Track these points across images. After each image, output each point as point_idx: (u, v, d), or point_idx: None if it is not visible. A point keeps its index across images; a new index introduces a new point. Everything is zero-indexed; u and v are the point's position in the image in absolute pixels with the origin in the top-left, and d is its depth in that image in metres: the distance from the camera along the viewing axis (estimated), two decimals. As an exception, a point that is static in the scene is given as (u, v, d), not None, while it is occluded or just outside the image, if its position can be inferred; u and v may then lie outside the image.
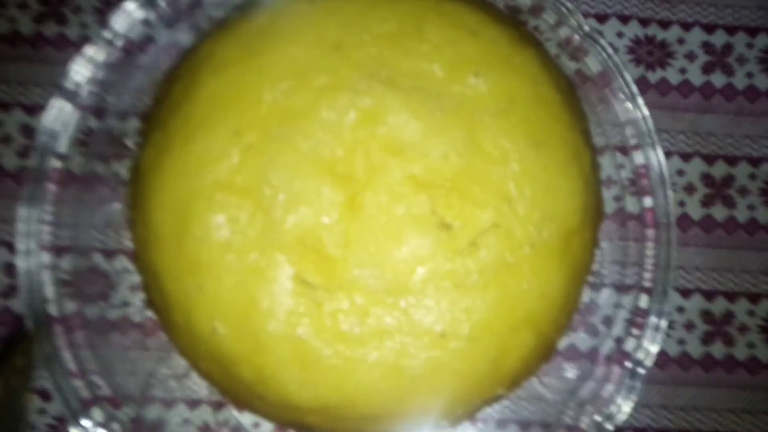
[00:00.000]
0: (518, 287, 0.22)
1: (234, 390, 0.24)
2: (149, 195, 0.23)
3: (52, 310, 0.26)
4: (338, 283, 0.22)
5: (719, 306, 0.31)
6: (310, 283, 0.22)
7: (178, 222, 0.22)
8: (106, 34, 0.28)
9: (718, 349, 0.31)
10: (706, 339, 0.31)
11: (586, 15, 0.32)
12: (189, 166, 0.22)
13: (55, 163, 0.28)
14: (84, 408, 0.26)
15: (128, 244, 0.29)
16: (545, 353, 0.26)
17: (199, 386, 0.28)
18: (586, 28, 0.29)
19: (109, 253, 0.29)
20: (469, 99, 0.23)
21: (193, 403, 0.28)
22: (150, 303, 0.27)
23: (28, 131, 0.31)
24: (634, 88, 0.29)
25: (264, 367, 0.22)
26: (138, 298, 0.29)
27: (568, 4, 0.29)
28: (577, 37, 0.29)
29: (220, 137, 0.22)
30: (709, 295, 0.31)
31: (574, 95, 0.27)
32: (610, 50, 0.29)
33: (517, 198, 0.22)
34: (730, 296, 0.31)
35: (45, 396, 0.29)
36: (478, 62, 0.23)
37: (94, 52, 0.28)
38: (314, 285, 0.22)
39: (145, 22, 0.29)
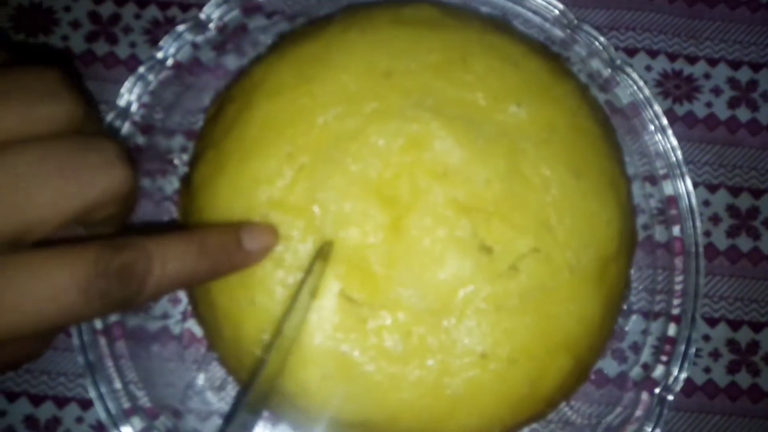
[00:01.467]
0: (556, 312, 0.23)
1: (275, 402, 0.24)
2: (204, 211, 0.24)
3: (97, 320, 0.27)
4: (382, 301, 0.22)
5: (745, 335, 0.32)
6: (356, 300, 0.22)
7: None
8: (157, 56, 0.30)
9: (743, 379, 0.31)
10: (732, 368, 0.31)
11: (616, 48, 0.33)
12: (244, 185, 0.23)
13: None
14: (124, 417, 0.26)
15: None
16: (581, 377, 0.26)
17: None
18: (618, 61, 0.30)
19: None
20: (510, 127, 0.24)
21: (204, 416, 0.29)
22: (196, 316, 0.27)
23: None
24: (664, 120, 0.30)
25: (308, 380, 0.22)
26: (177, 311, 0.29)
27: (601, 38, 0.30)
28: (608, 70, 0.30)
29: (274, 158, 0.23)
30: (734, 325, 0.32)
31: (610, 126, 0.28)
32: (641, 83, 0.30)
33: (557, 224, 0.23)
34: (755, 326, 0.32)
35: (84, 404, 0.30)
36: (520, 92, 0.24)
37: (144, 72, 0.29)
38: (359, 302, 0.22)
39: (193, 45, 0.30)
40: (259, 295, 0.23)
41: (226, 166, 0.24)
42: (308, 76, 0.24)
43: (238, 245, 0.22)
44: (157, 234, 0.20)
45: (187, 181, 0.27)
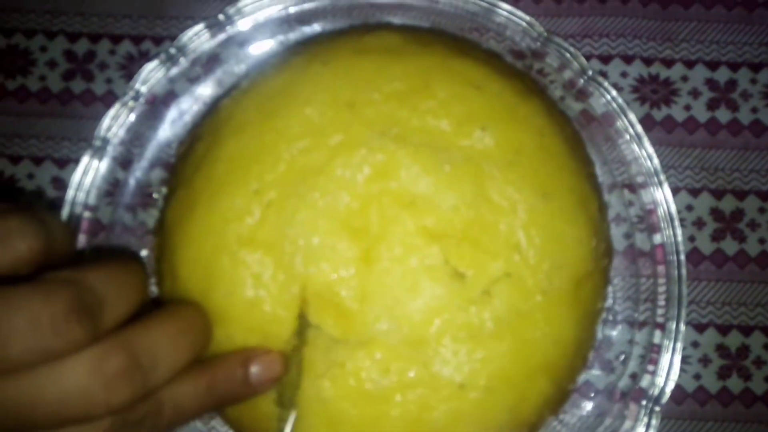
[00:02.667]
0: (532, 335, 0.23)
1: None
2: (176, 250, 0.24)
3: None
4: (357, 336, 0.22)
5: (734, 340, 0.31)
6: (332, 344, 0.22)
7: (205, 277, 0.23)
8: (131, 91, 0.30)
9: (735, 384, 0.31)
10: (723, 373, 0.31)
11: (590, 56, 0.33)
12: (213, 224, 0.23)
13: (85, 214, 0.29)
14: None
15: (154, 290, 0.30)
16: (561, 398, 0.26)
17: (224, 428, 0.29)
18: (590, 71, 0.30)
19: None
20: (476, 152, 0.23)
21: None
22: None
23: (60, 183, 0.33)
24: (639, 128, 0.30)
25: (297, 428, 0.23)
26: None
27: (571, 49, 0.30)
28: (581, 81, 0.30)
29: (241, 196, 0.23)
30: (723, 330, 0.31)
31: (580, 140, 0.28)
32: (614, 92, 0.30)
33: (527, 247, 0.23)
34: (745, 330, 0.31)
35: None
36: (484, 116, 0.24)
37: (119, 108, 0.30)
38: (335, 343, 0.22)
39: (168, 78, 0.30)
40: (235, 332, 0.23)
41: (196, 205, 0.24)
42: (272, 111, 0.24)
43: (245, 380, 0.22)
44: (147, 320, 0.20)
45: (161, 219, 0.27)
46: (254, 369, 0.22)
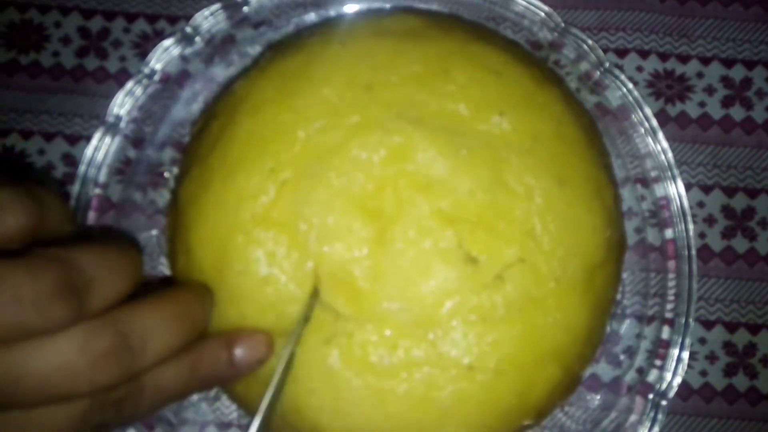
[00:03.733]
0: (543, 321, 0.23)
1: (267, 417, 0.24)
2: (190, 228, 0.24)
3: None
4: (367, 315, 0.22)
5: (741, 338, 0.31)
6: (341, 314, 0.22)
7: (219, 255, 0.23)
8: (145, 69, 0.30)
9: (741, 381, 0.31)
10: (729, 371, 0.31)
11: (606, 50, 0.33)
12: (228, 202, 0.23)
13: (95, 191, 0.29)
14: (120, 428, 0.26)
15: (163, 269, 0.30)
16: (570, 385, 0.26)
17: (230, 409, 0.29)
18: (606, 63, 0.30)
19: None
20: (494, 137, 0.23)
21: (224, 426, 0.29)
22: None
23: (70, 160, 0.33)
24: (654, 123, 0.30)
25: (298, 395, 0.22)
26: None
27: (589, 41, 0.30)
28: (597, 73, 0.30)
29: (257, 174, 0.23)
30: (731, 327, 0.31)
31: (596, 131, 0.28)
32: (630, 85, 0.30)
33: (542, 233, 0.23)
34: (752, 328, 0.31)
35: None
36: (503, 102, 0.24)
37: (133, 86, 0.30)
38: (345, 316, 0.22)
39: (182, 57, 0.30)
40: (248, 309, 0.23)
41: (211, 184, 0.24)
42: (289, 91, 0.24)
43: (229, 362, 0.22)
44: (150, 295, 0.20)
45: (174, 198, 0.27)
46: (239, 351, 0.22)
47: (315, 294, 0.23)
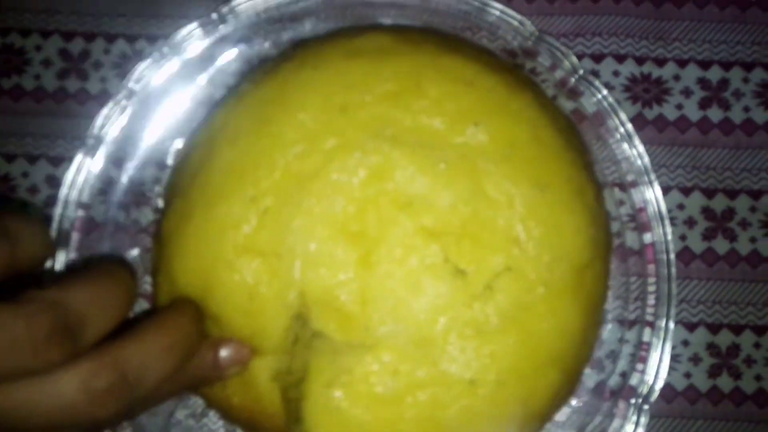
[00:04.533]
0: (537, 327, 0.23)
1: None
2: (173, 260, 0.24)
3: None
4: (361, 340, 0.22)
5: (725, 339, 0.31)
6: (338, 350, 0.23)
7: (202, 286, 0.24)
8: (125, 90, 0.30)
9: (725, 382, 0.31)
10: (713, 372, 0.31)
11: (582, 55, 0.33)
12: (210, 233, 0.23)
13: (78, 212, 0.30)
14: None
15: (147, 288, 0.30)
16: (571, 387, 0.26)
17: (216, 425, 0.29)
18: (581, 70, 0.30)
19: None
20: (471, 149, 0.24)
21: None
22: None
23: (54, 182, 0.33)
24: (630, 127, 0.30)
25: None
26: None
27: (562, 48, 0.30)
28: (572, 80, 0.30)
29: (238, 204, 0.23)
30: (714, 328, 0.32)
31: (575, 131, 0.28)
32: (604, 91, 0.30)
33: (526, 240, 0.23)
34: (735, 329, 0.31)
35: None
36: (477, 112, 0.24)
37: (112, 106, 0.30)
38: (342, 351, 0.22)
39: (161, 76, 0.31)
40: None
41: (193, 215, 0.24)
42: (266, 118, 0.24)
43: (214, 363, 0.23)
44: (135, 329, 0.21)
45: (158, 230, 0.28)
46: (224, 352, 0.23)
47: (304, 327, 0.23)
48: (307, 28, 0.31)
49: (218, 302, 0.23)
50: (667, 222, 0.29)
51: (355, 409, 0.22)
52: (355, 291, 0.22)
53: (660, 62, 0.33)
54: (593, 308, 0.26)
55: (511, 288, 0.23)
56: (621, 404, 0.29)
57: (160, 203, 0.30)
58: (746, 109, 0.33)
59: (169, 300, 0.25)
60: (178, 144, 0.31)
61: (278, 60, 0.27)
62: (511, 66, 0.29)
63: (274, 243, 0.23)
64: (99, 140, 0.30)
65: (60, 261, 0.28)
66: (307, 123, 0.24)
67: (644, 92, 0.33)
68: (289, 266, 0.23)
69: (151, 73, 0.30)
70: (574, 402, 0.30)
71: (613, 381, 0.29)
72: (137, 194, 0.31)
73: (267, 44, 0.31)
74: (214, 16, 0.30)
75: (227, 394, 0.25)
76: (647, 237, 0.30)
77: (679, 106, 0.33)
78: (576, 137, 0.28)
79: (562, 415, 0.29)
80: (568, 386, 0.26)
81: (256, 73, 0.27)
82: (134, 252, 0.30)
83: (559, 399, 0.25)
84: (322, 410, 0.22)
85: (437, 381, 0.22)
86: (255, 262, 0.23)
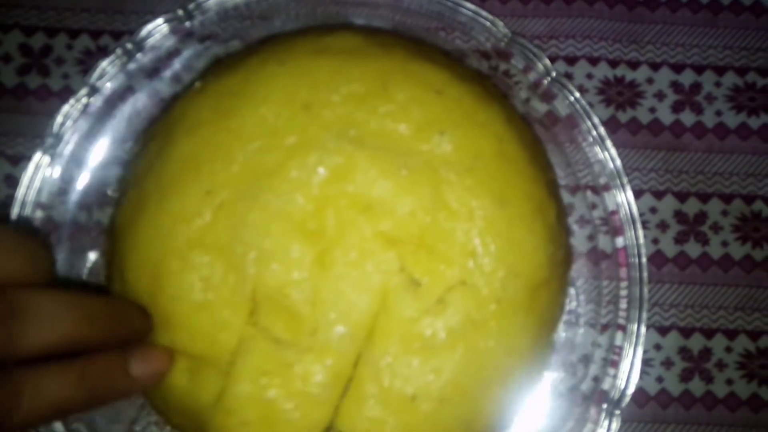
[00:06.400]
0: (485, 345, 0.22)
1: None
2: (125, 253, 0.23)
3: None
4: (308, 342, 0.22)
5: (696, 343, 0.31)
6: (281, 341, 0.22)
7: (153, 280, 0.23)
8: (86, 87, 0.29)
9: (697, 387, 0.31)
10: (685, 376, 0.31)
11: (555, 58, 0.33)
12: (163, 225, 0.23)
13: (37, 213, 0.28)
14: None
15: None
16: (517, 405, 0.26)
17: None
18: (554, 73, 0.30)
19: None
20: (434, 157, 0.23)
21: None
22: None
23: (12, 181, 0.32)
24: (602, 131, 0.29)
25: (229, 428, 0.22)
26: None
27: (535, 50, 0.30)
28: (545, 82, 0.30)
29: (192, 196, 0.22)
30: (686, 332, 0.31)
31: (540, 147, 0.28)
32: (577, 94, 0.30)
33: (483, 254, 0.23)
34: (707, 333, 0.31)
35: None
36: (443, 121, 0.23)
37: (74, 104, 0.29)
38: (285, 343, 0.22)
39: (125, 73, 0.30)
40: (179, 337, 0.22)
41: (146, 207, 0.23)
42: (226, 111, 0.23)
43: (123, 372, 0.21)
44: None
45: (111, 221, 0.27)
46: (134, 361, 0.21)
47: (250, 320, 0.22)
48: (277, 25, 0.30)
49: (169, 297, 0.22)
50: (639, 225, 0.29)
51: (286, 404, 0.21)
52: (307, 291, 0.22)
53: (633, 65, 0.33)
54: (545, 327, 0.26)
55: (463, 303, 0.22)
56: (593, 409, 0.28)
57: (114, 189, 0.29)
58: (718, 113, 0.33)
59: (121, 294, 0.24)
60: (143, 143, 0.30)
61: (243, 54, 0.27)
62: (481, 76, 0.29)
63: (228, 238, 0.22)
64: (59, 138, 0.29)
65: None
66: (269, 118, 0.23)
67: (617, 95, 0.33)
68: (243, 262, 0.22)
69: (114, 69, 0.29)
70: (545, 406, 0.29)
71: (586, 385, 0.29)
72: (99, 194, 0.30)
73: (235, 42, 0.31)
74: (180, 12, 0.30)
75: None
76: (619, 241, 0.29)
77: (652, 110, 0.33)
78: (541, 154, 0.28)
79: (533, 419, 0.29)
80: (514, 405, 0.25)
81: (220, 65, 0.27)
82: (93, 255, 0.29)
83: (504, 418, 0.25)
84: (251, 397, 0.21)
85: (377, 393, 0.22)
86: (207, 256, 0.22)
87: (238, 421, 0.22)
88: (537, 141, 0.28)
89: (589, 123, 0.29)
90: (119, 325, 0.21)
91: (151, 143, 0.25)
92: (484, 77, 0.29)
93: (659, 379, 0.31)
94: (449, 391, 0.22)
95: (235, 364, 0.22)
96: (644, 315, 0.29)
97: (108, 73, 0.29)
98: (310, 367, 0.22)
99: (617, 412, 0.28)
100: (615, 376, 0.28)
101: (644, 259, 0.29)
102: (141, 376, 0.21)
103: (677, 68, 0.33)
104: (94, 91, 0.29)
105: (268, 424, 0.22)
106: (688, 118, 0.33)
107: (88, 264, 0.29)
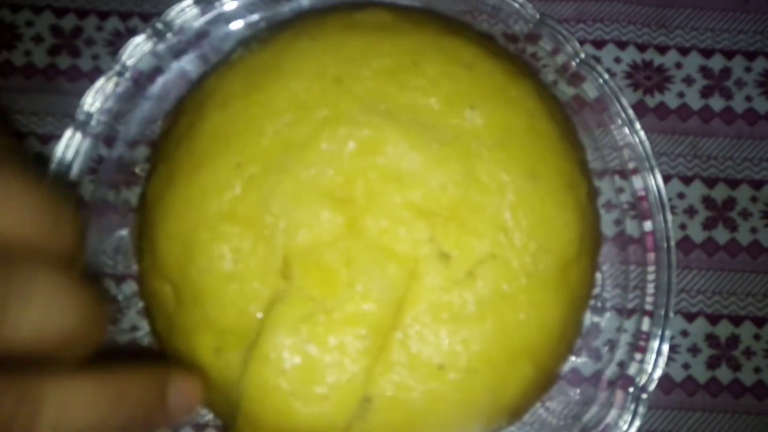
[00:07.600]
0: (515, 318, 0.22)
1: (232, 415, 0.24)
2: (156, 225, 0.24)
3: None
4: (339, 303, 0.22)
5: (724, 330, 0.31)
6: (315, 298, 0.22)
7: (184, 252, 0.23)
8: (116, 66, 0.29)
9: (724, 374, 0.31)
10: (712, 363, 0.31)
11: (583, 41, 0.33)
12: (193, 198, 0.23)
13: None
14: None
15: (137, 269, 0.29)
16: (545, 384, 0.26)
17: (206, 410, 0.28)
18: (582, 55, 0.29)
19: (119, 278, 0.30)
20: (465, 131, 0.23)
21: (200, 427, 0.29)
22: (153, 331, 0.27)
23: (42, 160, 0.32)
24: (631, 113, 0.29)
25: (267, 376, 0.21)
26: (146, 323, 0.29)
27: (564, 32, 0.30)
28: (573, 64, 0.30)
29: (223, 169, 0.23)
30: (713, 319, 0.31)
31: (571, 126, 0.28)
32: (606, 76, 0.29)
33: (513, 229, 0.23)
34: (735, 320, 0.31)
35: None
36: (474, 95, 0.23)
37: (104, 83, 0.29)
38: (319, 300, 0.22)
39: (154, 54, 0.30)
40: (211, 309, 0.22)
41: (177, 180, 0.23)
42: (258, 85, 0.23)
43: (161, 399, 0.18)
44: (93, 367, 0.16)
45: (142, 195, 0.27)
46: (175, 386, 0.18)
47: (284, 278, 0.22)
48: (305, 4, 0.30)
49: (200, 269, 0.22)
50: (667, 210, 0.29)
51: (325, 357, 0.21)
52: (340, 250, 0.22)
53: (662, 50, 0.33)
54: (575, 305, 0.25)
55: (492, 276, 0.22)
56: (619, 394, 0.28)
57: (147, 168, 0.29)
58: (748, 99, 0.32)
59: (150, 269, 0.24)
60: (171, 123, 0.30)
61: (275, 29, 0.27)
62: (511, 53, 0.29)
63: (258, 209, 0.22)
64: (89, 117, 0.29)
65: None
66: (300, 92, 0.23)
67: (646, 80, 0.33)
68: (273, 233, 0.22)
69: (144, 49, 0.30)
70: (570, 390, 0.29)
71: (611, 371, 0.29)
72: (128, 173, 0.30)
73: (263, 23, 0.31)
74: (210, -8, 0.30)
75: None
76: (647, 225, 0.29)
77: (681, 95, 0.33)
78: (572, 132, 0.28)
79: (558, 403, 0.29)
80: (542, 381, 0.25)
81: (251, 41, 0.27)
82: (123, 232, 0.29)
83: (531, 393, 0.25)
84: (287, 345, 0.21)
85: (404, 361, 0.22)
86: (238, 227, 0.22)
87: (275, 369, 0.21)
88: (568, 119, 0.28)
89: (618, 105, 0.29)
90: (147, 411, 0.18)
91: (181, 118, 0.25)
92: (515, 55, 0.29)
93: (686, 366, 0.31)
94: (477, 363, 0.22)
95: (269, 315, 0.21)
96: (672, 300, 0.28)
97: (137, 53, 0.30)
98: (344, 327, 0.21)
99: (644, 396, 0.27)
100: (642, 361, 0.28)
101: (673, 243, 0.28)
102: (176, 407, 0.18)
103: (706, 53, 0.33)
104: (123, 71, 0.30)
105: (307, 372, 0.21)
106: (717, 103, 0.32)
107: (115, 241, 0.30)
